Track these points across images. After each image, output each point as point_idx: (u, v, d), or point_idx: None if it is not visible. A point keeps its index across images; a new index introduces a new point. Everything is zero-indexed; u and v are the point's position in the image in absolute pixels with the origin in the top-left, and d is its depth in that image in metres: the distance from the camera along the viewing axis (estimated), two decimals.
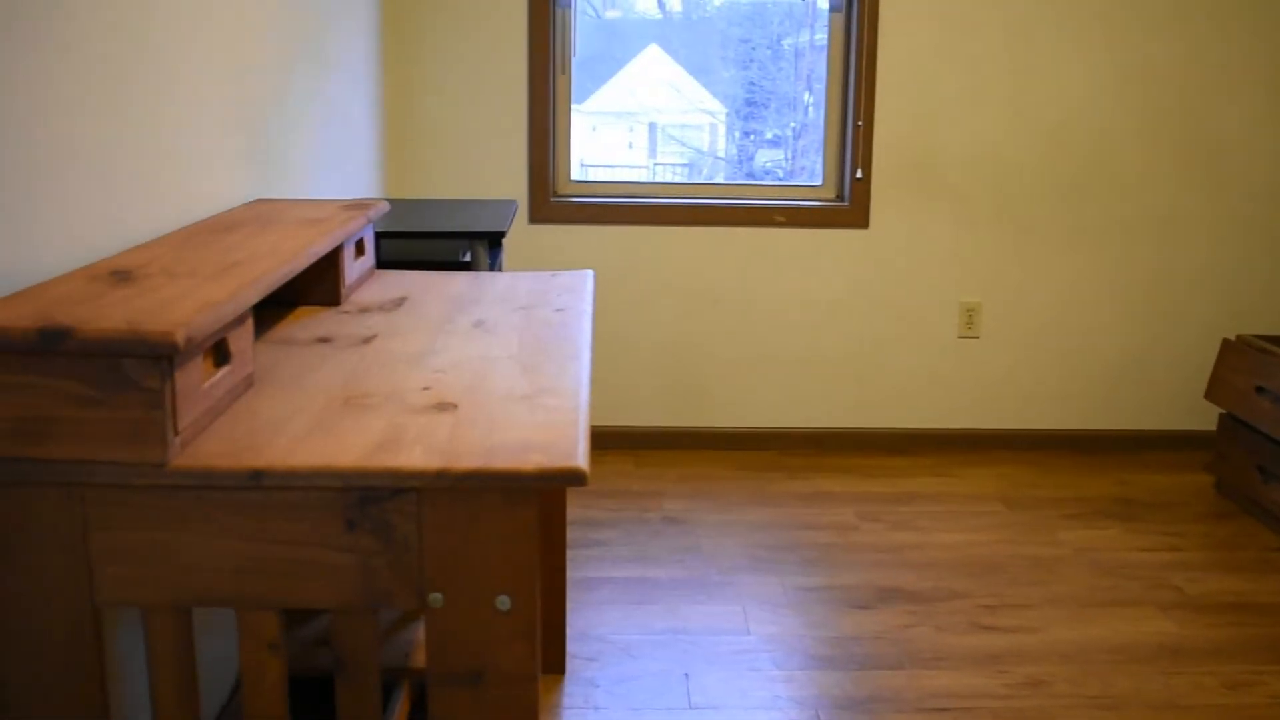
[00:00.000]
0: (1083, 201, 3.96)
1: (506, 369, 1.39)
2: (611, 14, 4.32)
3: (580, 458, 1.11)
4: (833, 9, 3.90)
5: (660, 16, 4.42)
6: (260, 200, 2.01)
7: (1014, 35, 3.84)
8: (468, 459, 1.11)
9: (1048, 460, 4.02)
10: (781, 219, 3.92)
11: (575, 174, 4.02)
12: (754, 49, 4.29)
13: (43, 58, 1.31)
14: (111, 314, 1.11)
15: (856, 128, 3.86)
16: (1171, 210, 3.98)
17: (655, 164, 4.44)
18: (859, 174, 3.89)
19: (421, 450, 1.12)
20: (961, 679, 2.54)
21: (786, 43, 4.23)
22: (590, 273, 1.89)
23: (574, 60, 3.92)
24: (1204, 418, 4.09)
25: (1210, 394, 3.69)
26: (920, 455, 4.06)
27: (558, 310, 1.65)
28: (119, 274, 1.30)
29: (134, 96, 1.55)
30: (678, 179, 4.41)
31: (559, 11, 3.85)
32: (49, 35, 1.33)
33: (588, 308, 1.67)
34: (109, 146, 1.48)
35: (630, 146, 4.45)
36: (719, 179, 4.40)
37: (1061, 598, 2.96)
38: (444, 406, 1.26)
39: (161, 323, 1.08)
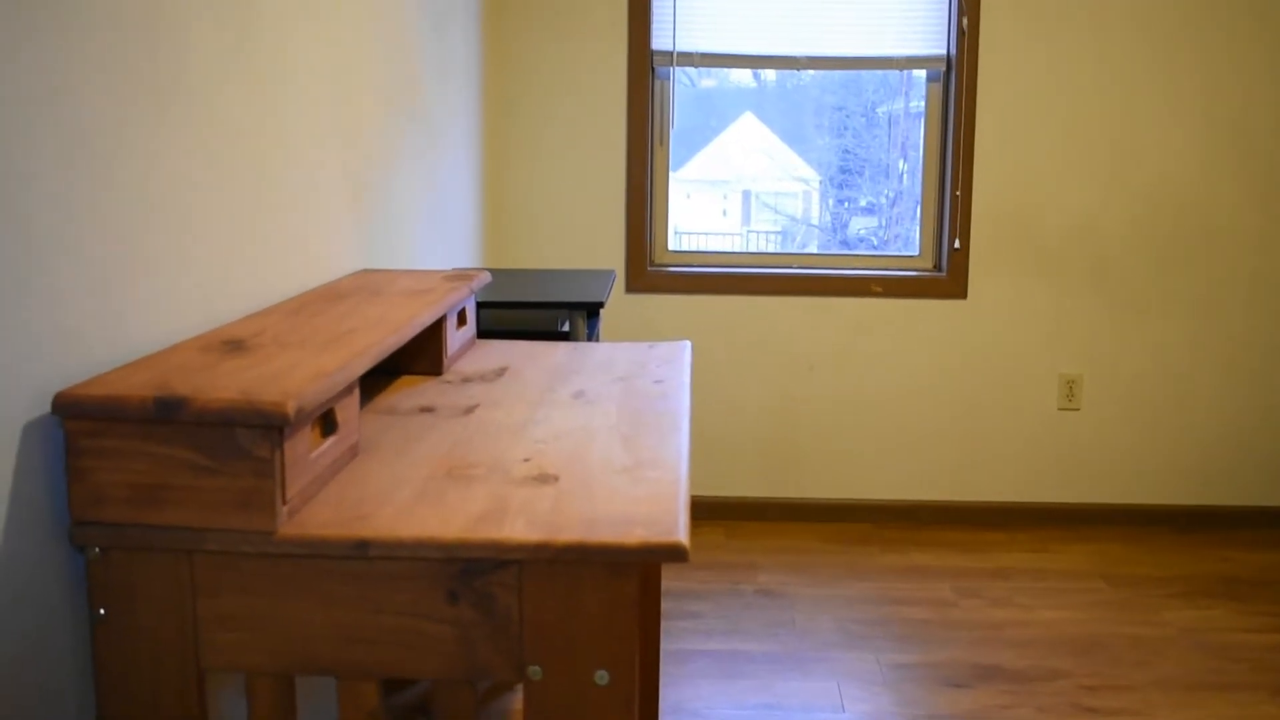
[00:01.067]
0: (1182, 269, 3.87)
1: (607, 440, 1.39)
2: (707, 83, 4.37)
3: (682, 533, 1.10)
4: (930, 79, 3.90)
5: (755, 85, 4.46)
6: (367, 270, 2.05)
7: (1111, 103, 3.79)
8: (569, 532, 1.10)
9: (1149, 536, 3.90)
10: (879, 289, 3.90)
11: (671, 242, 4.05)
12: (848, 116, 4.30)
13: (172, 130, 1.37)
14: (225, 384, 1.13)
15: (954, 197, 3.83)
16: (1273, 278, 3.86)
17: (749, 231, 4.45)
18: (956, 244, 3.85)
19: (524, 523, 1.13)
20: None
21: (881, 110, 4.24)
22: (687, 344, 1.89)
23: (672, 132, 3.96)
24: None
25: None
26: (1018, 529, 3.96)
27: (656, 382, 1.66)
28: (232, 344, 1.33)
29: (251, 170, 1.61)
30: (771, 246, 4.42)
31: (658, 84, 3.91)
32: (180, 109, 1.38)
33: (686, 379, 1.67)
34: (227, 217, 1.53)
35: (725, 214, 4.48)
36: (813, 246, 4.39)
37: (1166, 679, 2.85)
38: (545, 478, 1.26)
39: (274, 393, 1.10)
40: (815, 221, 4.44)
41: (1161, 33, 3.77)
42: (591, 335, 2.26)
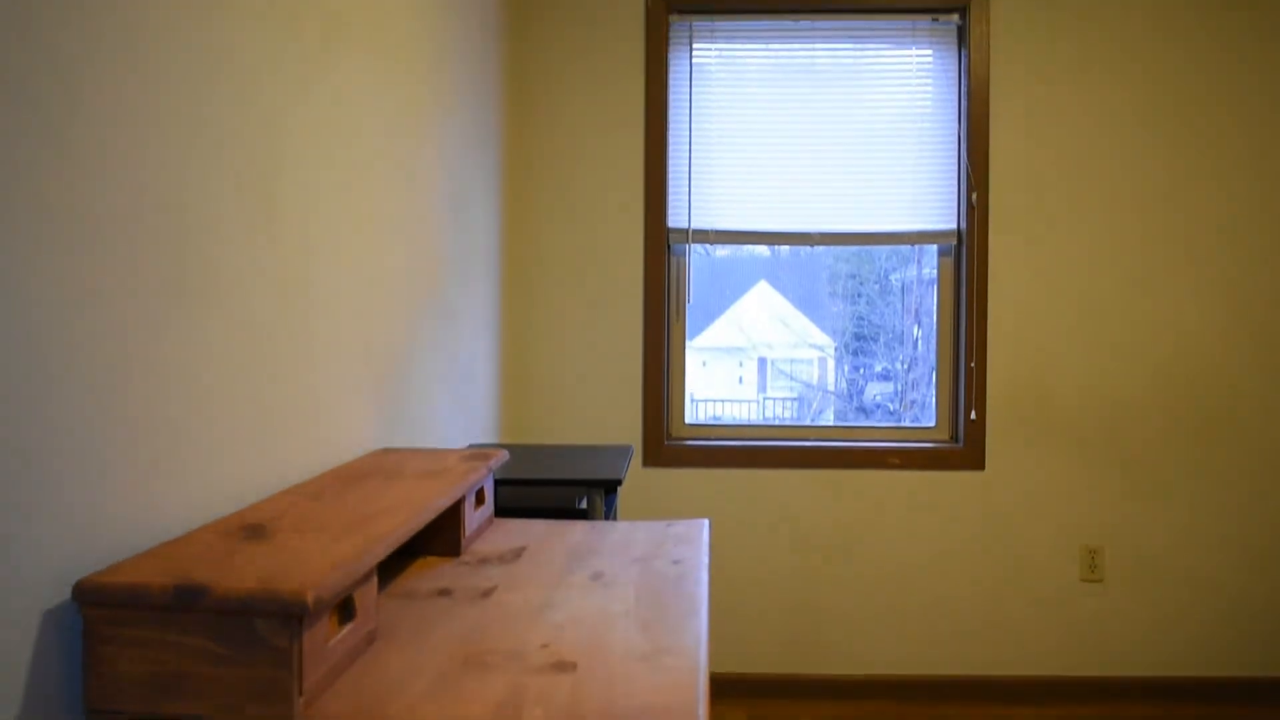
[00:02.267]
0: (1202, 440, 3.86)
1: (625, 625, 1.38)
2: (721, 252, 4.46)
3: None
4: (941, 253, 3.98)
5: (768, 254, 4.55)
6: (385, 450, 2.07)
7: (1125, 274, 3.85)
8: None
9: (1178, 710, 3.79)
10: (896, 461, 3.90)
11: (689, 411, 4.08)
12: (862, 284, 4.36)
13: (197, 327, 1.40)
14: (244, 573, 1.14)
15: (969, 369, 3.86)
16: None
17: (765, 398, 4.47)
18: (973, 415, 3.87)
19: (542, 713, 1.11)
20: None
21: (894, 277, 4.30)
22: (705, 522, 1.89)
23: (688, 306, 4.03)
24: None
25: None
26: (1045, 704, 3.86)
27: (674, 562, 1.65)
28: (252, 529, 1.34)
29: (274, 352, 1.64)
30: (788, 413, 4.43)
31: (674, 260, 3.99)
32: (206, 308, 1.42)
33: (704, 559, 1.66)
34: (248, 404, 1.55)
35: (741, 381, 4.51)
36: (829, 413, 4.41)
37: None
38: (563, 666, 1.25)
39: (292, 583, 1.10)
40: (831, 388, 4.47)
41: (1173, 205, 3.85)
42: (609, 512, 2.26)
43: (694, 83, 3.97)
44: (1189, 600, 3.89)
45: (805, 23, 3.94)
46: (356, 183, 2.05)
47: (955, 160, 3.91)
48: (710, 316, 4.39)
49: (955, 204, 3.92)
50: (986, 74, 3.85)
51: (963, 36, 3.90)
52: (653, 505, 3.94)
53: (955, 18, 3.90)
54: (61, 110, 1.12)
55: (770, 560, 3.93)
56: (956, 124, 3.92)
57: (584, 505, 2.15)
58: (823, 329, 4.44)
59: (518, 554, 1.72)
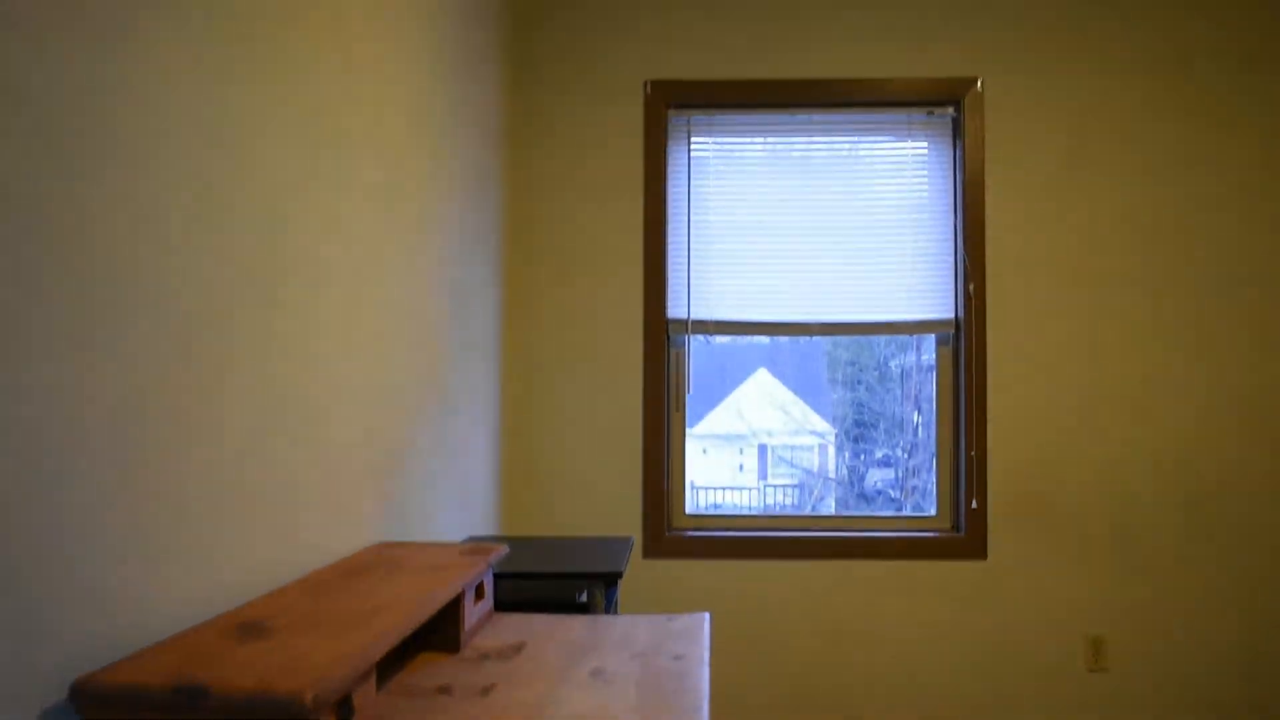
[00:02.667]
0: (1205, 526, 3.85)
1: None
2: (721, 339, 4.48)
3: None
4: (940, 342, 4.00)
5: (768, 340, 4.58)
6: (385, 544, 2.07)
7: (1127, 362, 3.87)
8: None
9: None
10: (897, 551, 3.88)
11: (689, 499, 4.07)
12: (861, 370, 4.38)
13: (198, 414, 1.42)
14: (244, 672, 1.14)
15: (969, 458, 3.86)
16: None
17: (766, 485, 4.46)
18: (974, 504, 3.86)
19: None
20: None
21: (893, 364, 4.32)
22: (706, 616, 1.88)
23: (688, 396, 4.04)
24: None
25: None
26: None
27: (676, 658, 1.64)
28: (252, 626, 1.34)
29: (277, 449, 1.65)
30: (789, 500, 4.42)
31: (673, 351, 4.02)
32: (207, 395, 1.44)
33: (705, 655, 1.65)
34: (250, 502, 1.56)
35: (741, 469, 4.50)
36: (830, 500, 4.40)
37: None
38: None
39: (292, 683, 1.10)
40: (832, 474, 4.46)
41: (1173, 293, 3.89)
42: (610, 604, 2.25)
43: (692, 175, 4.03)
44: (1195, 689, 3.85)
45: (801, 116, 4.02)
46: (359, 280, 2.08)
47: (952, 250, 3.96)
48: (710, 404, 4.40)
49: (952, 293, 3.96)
50: (981, 165, 3.91)
51: (958, 129, 3.97)
52: (654, 596, 3.91)
53: (950, 110, 3.97)
54: (71, 219, 1.15)
55: (772, 652, 3.89)
56: (952, 214, 3.97)
57: (584, 599, 2.14)
58: (823, 415, 4.45)
59: (518, 649, 1.71)
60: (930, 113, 3.99)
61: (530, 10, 4.04)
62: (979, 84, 3.94)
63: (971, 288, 3.90)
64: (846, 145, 4.04)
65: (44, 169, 1.10)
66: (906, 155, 4.02)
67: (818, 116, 4.03)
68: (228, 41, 1.51)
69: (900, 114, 4.00)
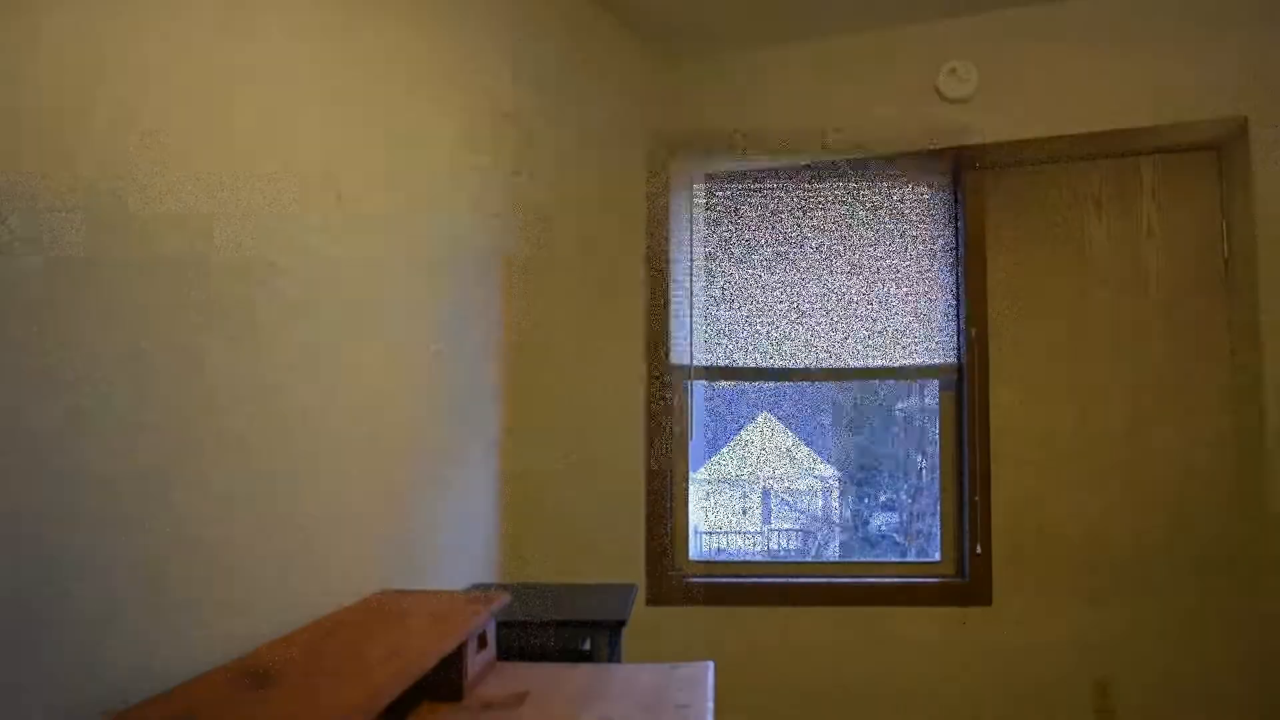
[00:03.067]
0: (1212, 571, 3.83)
1: None
2: (723, 383, 4.49)
3: None
4: (942, 387, 4.00)
5: (771, 385, 4.58)
6: (388, 592, 2.07)
7: (1132, 406, 3.87)
8: None
9: None
10: (902, 598, 3.86)
11: (693, 545, 4.05)
12: (864, 414, 4.38)
13: (203, 467, 1.42)
14: None
15: (973, 503, 3.85)
16: None
17: (770, 529, 4.45)
18: (978, 549, 3.84)
19: None
20: None
21: (898, 408, 4.32)
22: (710, 665, 1.87)
23: (691, 442, 4.04)
24: None
25: None
26: None
27: (680, 707, 1.63)
28: (257, 675, 1.34)
29: (280, 499, 1.66)
30: (793, 544, 4.41)
31: (676, 396, 4.02)
32: (211, 448, 1.44)
33: (709, 704, 1.65)
34: (256, 546, 1.56)
35: (745, 513, 4.49)
36: (834, 545, 4.38)
37: None
38: None
39: None
40: (836, 518, 4.45)
41: (1172, 332, 3.89)
42: (614, 651, 2.24)
43: (694, 220, 4.05)
44: None
45: (804, 162, 4.04)
46: (358, 327, 2.08)
47: (954, 295, 3.97)
48: (713, 448, 4.40)
49: (955, 338, 3.96)
50: (982, 212, 3.93)
51: (958, 179, 3.99)
52: (658, 643, 3.89)
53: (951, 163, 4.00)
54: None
55: (776, 697, 3.86)
56: (954, 259, 3.98)
57: (588, 647, 2.13)
58: (826, 459, 4.44)
59: (521, 699, 1.70)
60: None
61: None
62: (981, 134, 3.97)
63: (973, 332, 3.90)
64: (849, 190, 4.06)
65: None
66: (908, 200, 4.04)
67: (820, 163, 4.05)
68: None
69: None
